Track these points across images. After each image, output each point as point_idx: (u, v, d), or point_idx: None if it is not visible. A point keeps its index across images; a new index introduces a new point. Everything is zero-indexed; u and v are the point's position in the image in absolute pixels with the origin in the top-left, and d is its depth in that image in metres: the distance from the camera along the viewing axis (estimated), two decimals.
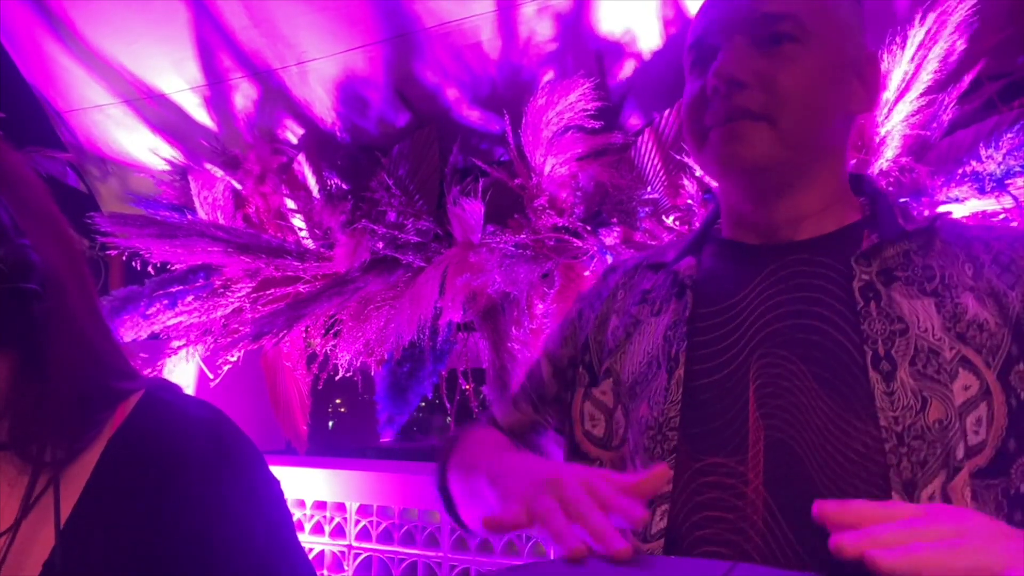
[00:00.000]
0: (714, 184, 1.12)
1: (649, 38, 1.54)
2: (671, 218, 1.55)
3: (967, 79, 1.28)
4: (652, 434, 0.66)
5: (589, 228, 1.61)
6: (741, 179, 0.70)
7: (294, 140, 1.98)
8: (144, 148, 2.13)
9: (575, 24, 1.56)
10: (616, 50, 1.58)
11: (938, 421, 0.58)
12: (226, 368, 1.96)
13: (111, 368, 0.66)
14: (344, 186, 1.92)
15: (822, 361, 0.62)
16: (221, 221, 1.98)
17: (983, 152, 1.25)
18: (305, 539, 1.97)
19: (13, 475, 0.59)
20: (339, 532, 1.98)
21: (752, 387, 0.64)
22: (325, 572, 1.95)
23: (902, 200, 1.34)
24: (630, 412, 0.70)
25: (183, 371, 2.04)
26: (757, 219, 0.72)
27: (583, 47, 1.59)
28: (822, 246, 0.69)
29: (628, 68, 1.60)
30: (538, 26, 1.58)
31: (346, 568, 1.93)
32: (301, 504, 2.01)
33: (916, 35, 1.26)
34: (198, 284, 1.99)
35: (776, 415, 0.62)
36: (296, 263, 1.87)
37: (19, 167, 0.63)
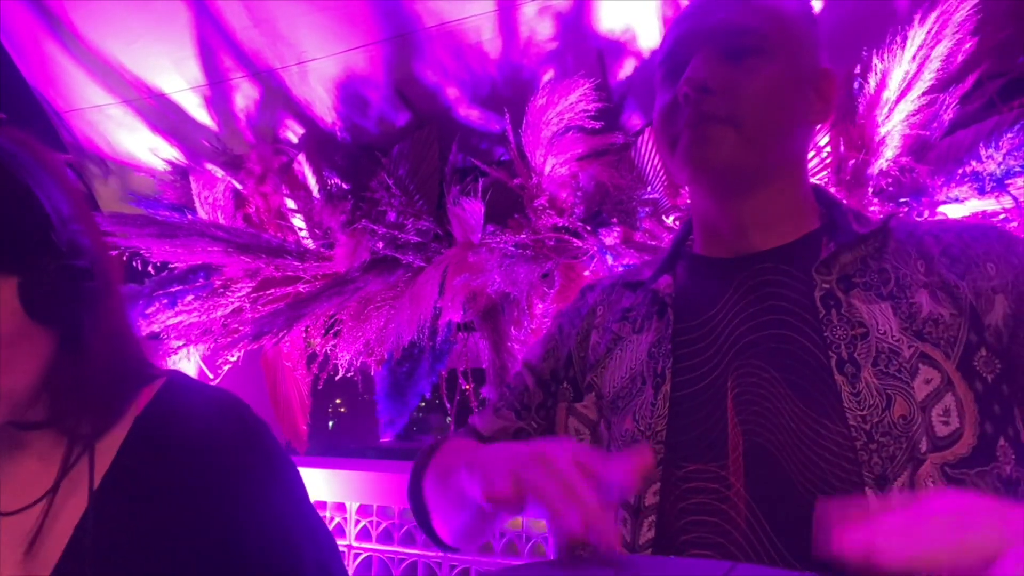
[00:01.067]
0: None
1: (649, 37, 1.54)
2: (671, 218, 1.55)
3: (970, 79, 1.28)
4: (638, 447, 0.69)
5: (589, 228, 1.60)
6: (709, 180, 0.74)
7: (294, 140, 1.98)
8: (144, 148, 2.13)
9: (575, 24, 1.56)
10: (617, 50, 1.58)
11: (902, 417, 0.61)
12: (226, 368, 1.96)
13: (137, 355, 0.71)
14: (344, 186, 1.92)
15: (792, 367, 0.66)
16: (221, 221, 1.98)
17: (983, 152, 1.25)
18: None
19: (45, 449, 0.65)
20: (339, 532, 1.98)
21: (730, 396, 0.67)
22: None
23: (902, 198, 1.34)
24: (613, 426, 0.73)
25: (183, 371, 2.03)
26: (726, 223, 0.76)
27: (583, 47, 1.59)
28: (785, 255, 0.73)
29: (628, 68, 1.60)
30: (538, 26, 1.58)
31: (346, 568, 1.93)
32: None
33: (917, 35, 1.26)
34: (198, 284, 1.99)
35: (753, 421, 0.65)
36: (296, 263, 1.87)
37: (62, 168, 0.68)
